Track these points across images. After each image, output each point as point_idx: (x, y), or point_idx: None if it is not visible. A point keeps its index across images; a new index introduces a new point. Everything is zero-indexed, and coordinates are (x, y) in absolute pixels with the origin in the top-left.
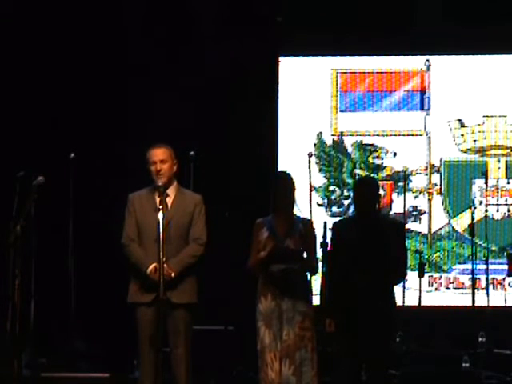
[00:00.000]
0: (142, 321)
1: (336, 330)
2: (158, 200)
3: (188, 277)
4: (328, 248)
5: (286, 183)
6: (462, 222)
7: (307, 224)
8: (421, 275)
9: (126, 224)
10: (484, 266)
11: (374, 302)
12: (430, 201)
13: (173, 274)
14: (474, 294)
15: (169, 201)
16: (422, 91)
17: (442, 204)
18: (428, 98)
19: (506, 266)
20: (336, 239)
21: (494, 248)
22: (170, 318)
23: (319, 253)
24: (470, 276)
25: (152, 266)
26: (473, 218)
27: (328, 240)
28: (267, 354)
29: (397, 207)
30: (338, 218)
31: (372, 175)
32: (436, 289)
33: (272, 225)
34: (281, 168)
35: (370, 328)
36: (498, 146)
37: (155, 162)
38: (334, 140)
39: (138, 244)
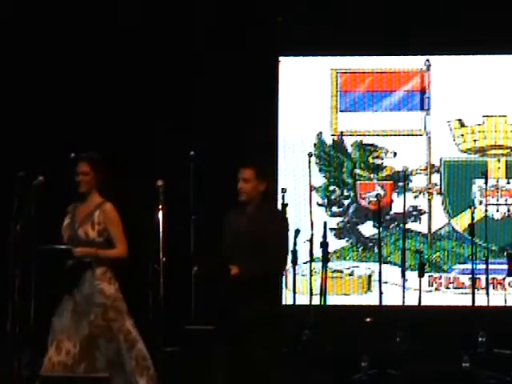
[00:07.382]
0: None
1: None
2: None
3: None
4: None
5: None
6: (461, 222)
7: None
8: (421, 275)
9: None
10: (484, 266)
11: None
12: (429, 201)
13: None
14: (474, 294)
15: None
16: (422, 91)
17: (442, 204)
18: (428, 97)
19: (506, 266)
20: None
21: (494, 248)
22: None
23: (319, 252)
24: (470, 276)
25: None
26: (473, 218)
27: (328, 240)
28: None
29: (397, 207)
30: (338, 218)
31: (372, 175)
32: (436, 289)
33: None
34: (280, 168)
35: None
36: (498, 146)
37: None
38: (333, 140)
39: None
